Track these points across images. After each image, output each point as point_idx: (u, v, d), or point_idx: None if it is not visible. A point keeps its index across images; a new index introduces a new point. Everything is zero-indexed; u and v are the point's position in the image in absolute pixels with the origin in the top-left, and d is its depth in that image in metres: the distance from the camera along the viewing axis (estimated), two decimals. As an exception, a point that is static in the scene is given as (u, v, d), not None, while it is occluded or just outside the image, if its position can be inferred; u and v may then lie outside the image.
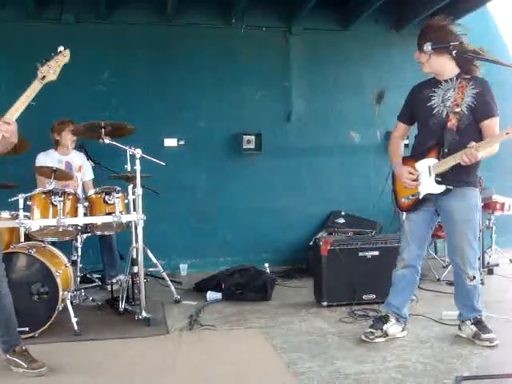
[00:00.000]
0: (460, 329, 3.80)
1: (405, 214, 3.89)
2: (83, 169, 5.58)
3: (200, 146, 6.65)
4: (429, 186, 3.60)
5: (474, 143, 3.38)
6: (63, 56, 3.33)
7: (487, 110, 3.55)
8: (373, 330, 3.76)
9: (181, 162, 6.46)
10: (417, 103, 3.72)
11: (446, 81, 3.61)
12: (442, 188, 3.56)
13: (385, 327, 3.76)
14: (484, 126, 3.56)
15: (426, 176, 3.61)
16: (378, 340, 3.71)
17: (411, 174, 3.66)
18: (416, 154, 3.73)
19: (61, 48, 3.34)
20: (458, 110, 3.51)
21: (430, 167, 3.58)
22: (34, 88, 3.22)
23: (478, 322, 3.68)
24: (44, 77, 3.24)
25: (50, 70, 3.26)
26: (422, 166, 3.63)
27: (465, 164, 3.42)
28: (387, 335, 3.75)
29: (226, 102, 6.72)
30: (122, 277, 5.20)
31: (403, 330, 3.84)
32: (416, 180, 3.65)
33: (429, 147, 3.61)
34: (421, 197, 3.65)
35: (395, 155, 3.86)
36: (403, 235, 3.81)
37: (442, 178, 3.54)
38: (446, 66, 3.58)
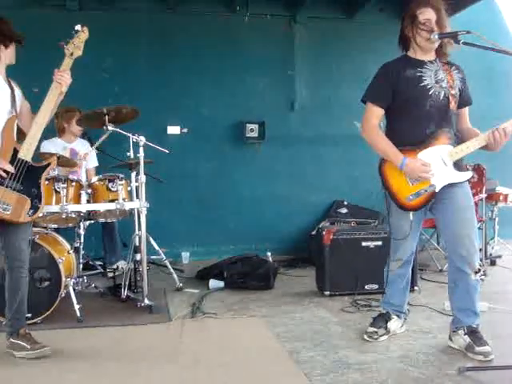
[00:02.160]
0: (451, 339, 3.44)
1: (411, 213, 3.38)
2: (88, 156, 5.57)
3: (203, 134, 6.63)
4: (447, 175, 3.28)
5: (502, 124, 3.19)
6: (83, 32, 3.55)
7: (469, 97, 3.47)
8: (376, 329, 3.60)
9: (184, 149, 6.45)
10: (401, 84, 3.32)
11: (430, 61, 3.37)
12: (467, 175, 3.33)
13: (388, 325, 3.63)
14: (463, 113, 3.47)
15: (440, 166, 3.28)
16: (382, 339, 3.57)
17: (425, 166, 3.27)
18: (412, 143, 3.32)
19: (78, 26, 3.55)
20: (453, 92, 3.32)
21: (442, 156, 3.27)
22: (67, 63, 3.43)
23: (472, 332, 3.30)
24: (72, 53, 3.45)
25: (76, 47, 3.47)
26: (430, 155, 3.28)
27: (493, 147, 3.21)
28: (390, 332, 3.63)
29: (230, 90, 6.70)
30: (122, 263, 5.22)
31: (402, 325, 3.74)
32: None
33: (432, 133, 3.30)
34: (438, 189, 3.29)
35: (390, 149, 3.34)
36: (407, 235, 3.44)
37: (455, 165, 3.30)
38: (434, 47, 3.38)
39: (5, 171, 3.20)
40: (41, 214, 4.23)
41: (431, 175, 3.27)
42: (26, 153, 3.29)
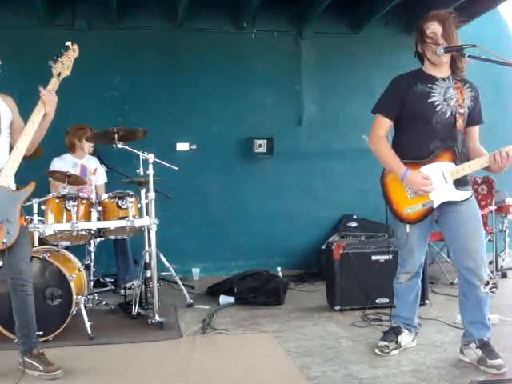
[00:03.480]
0: (463, 353, 3.43)
1: (408, 226, 3.42)
2: (97, 172, 5.61)
3: (212, 151, 6.66)
4: (446, 193, 3.29)
5: (507, 146, 3.19)
6: (73, 51, 3.43)
7: (480, 116, 3.47)
8: (387, 343, 3.59)
9: (193, 166, 6.46)
10: (410, 97, 3.34)
11: (442, 78, 3.37)
12: (466, 194, 3.31)
13: (399, 339, 3.61)
14: (472, 132, 3.47)
15: (440, 182, 3.29)
16: (393, 353, 3.55)
17: (426, 180, 3.29)
18: (416, 156, 3.35)
19: (68, 43, 3.42)
20: (462, 111, 3.33)
21: (443, 172, 3.28)
22: (53, 85, 3.33)
23: (484, 345, 3.29)
24: (59, 73, 3.34)
25: (64, 66, 3.36)
26: (431, 171, 3.30)
27: (495, 170, 3.23)
28: (401, 346, 3.61)
29: (238, 106, 6.73)
30: (135, 283, 5.22)
31: (414, 339, 3.73)
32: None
33: (437, 150, 3.31)
34: (435, 206, 3.32)
35: (393, 160, 3.37)
36: (405, 247, 3.52)
37: (456, 182, 3.30)
38: (447, 64, 3.38)
39: None
40: (52, 232, 4.31)
41: (431, 190, 3.29)
42: (5, 178, 3.18)
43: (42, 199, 4.34)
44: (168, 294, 5.31)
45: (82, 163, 5.54)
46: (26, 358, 3.37)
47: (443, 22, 3.30)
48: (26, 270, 3.36)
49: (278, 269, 5.92)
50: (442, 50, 3.24)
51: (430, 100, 3.33)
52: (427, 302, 4.73)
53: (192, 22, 6.57)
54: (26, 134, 3.25)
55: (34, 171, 5.31)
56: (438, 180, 3.30)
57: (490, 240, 5.85)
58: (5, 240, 3.15)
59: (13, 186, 3.29)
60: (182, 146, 6.62)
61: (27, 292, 3.37)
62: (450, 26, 3.30)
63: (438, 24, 3.30)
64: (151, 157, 4.46)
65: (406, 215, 3.39)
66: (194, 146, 6.66)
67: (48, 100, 3.26)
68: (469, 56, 3.21)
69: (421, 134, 3.36)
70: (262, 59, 6.81)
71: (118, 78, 6.50)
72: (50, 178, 5.12)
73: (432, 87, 3.35)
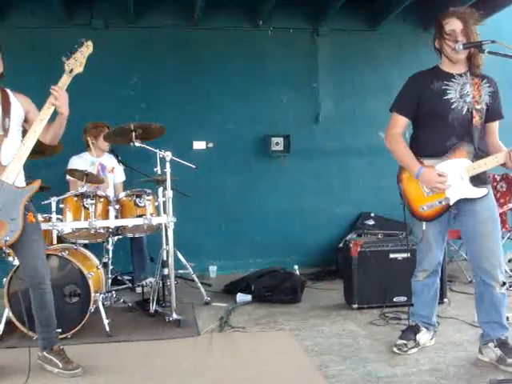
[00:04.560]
0: (481, 352, 3.41)
1: (424, 223, 3.42)
2: (115, 171, 5.64)
3: (228, 149, 6.66)
4: (463, 190, 3.27)
5: None
6: (87, 47, 3.39)
7: (499, 112, 3.44)
8: (405, 342, 3.57)
9: (209, 164, 6.47)
10: (427, 95, 3.34)
11: (459, 75, 3.34)
12: (483, 191, 3.28)
13: (417, 337, 3.59)
14: (492, 127, 3.43)
15: (456, 179, 3.27)
16: (411, 351, 3.54)
17: (441, 176, 3.27)
18: (432, 154, 3.34)
19: (83, 39, 3.39)
20: (479, 107, 3.30)
21: (459, 169, 3.26)
22: (64, 82, 3.31)
23: (502, 344, 3.28)
24: (72, 70, 3.32)
25: (77, 63, 3.33)
26: (447, 167, 3.28)
27: (510, 167, 3.19)
28: (419, 345, 3.60)
29: (254, 104, 6.73)
30: (151, 279, 5.24)
31: (432, 338, 3.71)
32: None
33: (453, 146, 3.30)
34: (452, 203, 3.30)
35: (409, 157, 3.37)
36: (423, 244, 3.51)
37: (473, 179, 3.28)
38: (464, 60, 3.35)
39: None
40: (70, 230, 4.34)
41: (446, 187, 3.28)
42: (9, 175, 3.18)
43: (60, 197, 4.38)
44: (185, 292, 5.32)
45: (100, 161, 5.57)
46: (46, 354, 3.41)
47: (463, 18, 3.27)
48: (42, 268, 3.37)
49: (296, 267, 5.90)
50: (461, 47, 3.21)
51: (445, 97, 3.31)
52: (446, 300, 4.70)
53: (208, 20, 6.57)
54: (34, 130, 3.24)
55: (53, 169, 5.42)
56: (454, 177, 3.28)
57: (509, 238, 5.78)
58: (7, 238, 3.15)
59: (19, 183, 3.29)
60: (199, 145, 6.64)
61: (45, 290, 3.39)
62: (470, 23, 3.27)
63: (457, 20, 3.27)
64: (168, 155, 4.48)
65: (422, 212, 3.38)
66: (210, 144, 6.66)
67: (58, 97, 3.24)
68: (488, 52, 3.18)
69: (437, 131, 3.34)
70: (279, 57, 6.79)
71: (135, 76, 6.52)
72: (69, 177, 5.15)
73: (448, 84, 3.32)
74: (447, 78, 3.34)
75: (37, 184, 3.32)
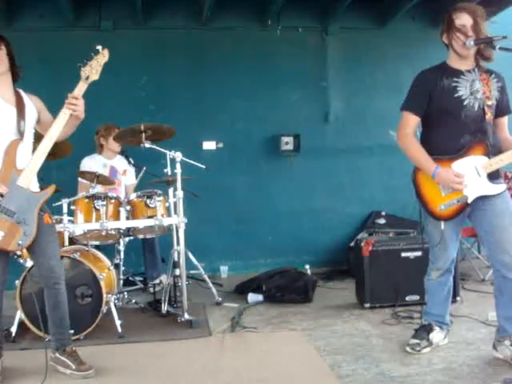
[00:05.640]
0: (496, 349, 3.36)
1: (442, 222, 3.37)
2: (127, 173, 5.65)
3: (238, 148, 6.66)
4: (480, 187, 3.25)
5: None
6: (103, 55, 3.44)
7: (508, 106, 3.42)
8: (418, 341, 3.55)
9: (219, 164, 6.47)
10: (437, 93, 3.30)
11: (468, 71, 3.32)
12: (501, 187, 3.26)
13: (430, 336, 3.57)
14: (502, 122, 3.42)
15: (473, 177, 3.25)
16: (424, 351, 3.51)
17: (458, 176, 3.25)
18: (447, 152, 3.31)
19: (99, 47, 3.43)
20: (490, 103, 3.28)
21: (476, 167, 3.24)
22: (80, 88, 3.33)
23: None
24: (88, 77, 3.34)
25: (93, 70, 3.36)
26: (464, 166, 3.26)
27: None
28: (432, 344, 3.57)
29: (264, 104, 6.72)
30: (163, 277, 5.25)
31: (445, 337, 3.68)
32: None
33: (468, 144, 3.28)
34: (470, 201, 3.27)
35: (423, 157, 3.33)
36: (440, 243, 3.44)
37: (489, 176, 3.26)
38: (472, 55, 3.33)
39: (0, 195, 3.13)
40: (82, 232, 4.35)
41: (464, 186, 3.24)
42: (25, 179, 3.19)
43: (71, 199, 4.39)
44: (196, 292, 5.32)
45: (111, 164, 5.58)
46: (58, 355, 3.42)
47: (473, 13, 3.25)
48: (58, 268, 3.40)
49: (307, 266, 5.89)
50: (472, 43, 3.19)
51: (456, 95, 3.28)
52: (458, 298, 4.67)
53: (217, 20, 6.57)
54: (51, 136, 3.26)
55: (64, 171, 5.44)
56: (471, 175, 3.26)
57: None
58: (20, 242, 3.17)
59: (34, 187, 3.31)
60: (209, 145, 6.64)
61: (60, 290, 3.40)
62: (479, 19, 3.25)
63: (467, 15, 3.25)
64: (178, 155, 4.48)
65: (440, 212, 3.34)
66: (220, 145, 6.67)
67: (74, 107, 3.26)
68: (499, 48, 3.16)
69: (450, 129, 3.32)
70: (288, 56, 6.78)
71: (144, 78, 6.53)
72: (80, 178, 5.17)
73: (458, 81, 3.30)
74: (456, 75, 3.31)
75: (51, 189, 3.34)
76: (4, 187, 3.14)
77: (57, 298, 3.40)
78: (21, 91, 3.42)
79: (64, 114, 3.26)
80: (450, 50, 3.37)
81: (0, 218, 3.13)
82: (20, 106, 3.31)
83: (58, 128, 3.26)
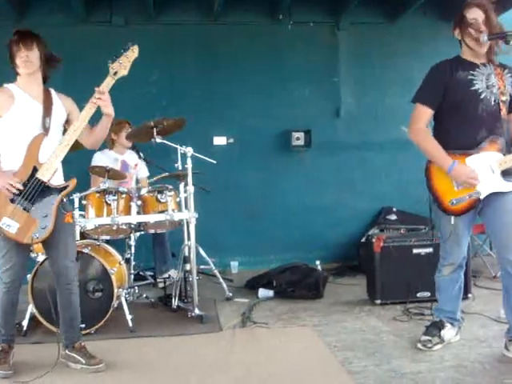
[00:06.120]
0: (507, 348, 3.31)
1: (453, 217, 3.34)
2: (138, 166, 5.66)
3: (249, 144, 6.66)
4: (494, 184, 3.21)
5: None
6: (132, 51, 3.45)
7: None
8: (429, 338, 3.50)
9: (230, 160, 6.48)
10: (453, 85, 3.25)
11: (483, 64, 3.29)
12: None
13: (442, 333, 3.54)
14: None
15: (487, 173, 3.22)
16: (436, 347, 3.49)
17: (473, 172, 3.22)
18: (462, 147, 3.27)
19: (129, 44, 3.45)
20: (504, 98, 3.25)
21: (490, 163, 3.21)
22: (108, 83, 3.35)
23: None
24: (116, 72, 3.36)
25: (121, 66, 3.38)
26: (478, 161, 3.23)
27: None
28: (444, 341, 3.54)
29: (275, 99, 6.70)
30: (172, 271, 5.26)
31: (457, 334, 3.65)
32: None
33: (484, 139, 3.24)
34: (482, 197, 3.23)
35: (438, 151, 3.27)
36: (450, 239, 3.42)
37: (503, 173, 3.22)
38: (484, 50, 3.29)
39: (14, 190, 3.14)
40: (93, 226, 4.35)
41: (478, 182, 3.21)
42: (45, 172, 3.21)
43: (82, 194, 4.40)
44: (207, 288, 5.32)
45: (122, 159, 5.59)
46: (67, 352, 3.43)
47: (484, 8, 3.22)
48: (71, 269, 3.40)
49: (317, 262, 5.84)
50: (485, 38, 3.16)
51: (473, 88, 3.25)
52: (470, 295, 4.63)
53: (227, 15, 6.56)
54: (75, 129, 3.27)
55: (75, 165, 5.39)
56: (484, 171, 3.23)
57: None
58: (37, 234, 3.18)
59: (56, 181, 3.31)
60: (220, 140, 6.64)
61: (72, 290, 3.41)
62: (491, 13, 3.22)
63: (478, 10, 3.23)
64: (189, 150, 4.48)
65: (451, 207, 3.31)
66: (231, 140, 6.67)
67: (100, 102, 3.28)
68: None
69: (466, 123, 3.28)
70: (299, 51, 6.77)
71: (155, 73, 6.54)
72: (91, 173, 5.17)
73: (474, 74, 3.27)
74: (472, 68, 3.29)
75: (72, 183, 3.35)
76: (19, 185, 3.16)
77: (68, 298, 3.41)
78: (52, 90, 3.45)
79: (89, 109, 3.28)
80: (463, 46, 3.34)
81: (17, 210, 3.15)
82: (47, 104, 3.33)
83: (83, 121, 3.28)
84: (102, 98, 3.28)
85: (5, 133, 3.25)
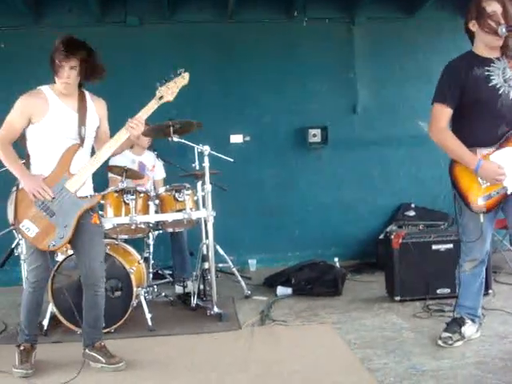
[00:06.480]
0: None
1: (481, 215, 3.29)
2: (155, 168, 5.66)
3: (266, 142, 6.65)
4: None
5: None
6: (182, 78, 3.52)
7: None
8: (450, 334, 3.49)
9: (247, 157, 6.47)
10: (470, 84, 3.23)
11: (497, 59, 3.25)
12: None
13: (462, 330, 3.51)
14: None
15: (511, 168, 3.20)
16: (457, 344, 3.46)
17: (500, 169, 3.19)
18: (483, 143, 3.25)
19: (181, 70, 3.51)
20: None
21: None
22: (151, 106, 3.38)
23: None
24: (162, 97, 3.38)
25: (169, 91, 3.42)
26: (502, 157, 3.20)
27: None
28: (464, 338, 3.51)
29: (291, 96, 6.68)
30: (189, 283, 5.23)
31: (477, 330, 3.62)
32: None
33: (504, 134, 3.21)
34: (509, 191, 3.21)
35: (462, 150, 3.25)
36: (478, 237, 3.36)
37: None
38: (500, 43, 3.24)
39: (41, 197, 3.16)
40: (111, 226, 4.37)
41: (505, 177, 3.19)
42: (73, 184, 3.23)
43: (101, 193, 4.41)
44: (225, 286, 5.34)
45: (140, 160, 5.57)
46: (87, 351, 3.45)
47: (502, 1, 3.19)
48: (97, 270, 3.41)
49: (336, 259, 5.84)
50: (504, 30, 3.12)
51: (491, 84, 3.22)
52: (490, 291, 4.58)
53: (242, 13, 6.55)
54: (110, 147, 3.28)
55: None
56: (509, 166, 3.20)
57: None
58: (53, 242, 3.21)
59: (84, 192, 3.31)
60: (236, 138, 6.64)
61: (97, 292, 3.42)
62: (509, 6, 3.19)
63: (496, 3, 3.19)
64: (207, 149, 4.49)
65: (480, 205, 3.28)
66: (247, 138, 6.66)
67: (135, 130, 3.28)
68: None
69: (485, 119, 3.25)
70: (314, 47, 6.73)
71: (170, 72, 6.52)
72: (109, 173, 5.20)
73: (490, 70, 3.24)
74: (487, 64, 3.25)
75: (97, 198, 3.40)
76: (50, 192, 3.17)
77: (93, 299, 3.43)
78: (86, 93, 3.43)
79: (123, 134, 3.29)
80: (476, 40, 3.31)
81: (39, 215, 3.18)
82: (82, 112, 3.32)
83: (117, 141, 3.28)
84: (134, 127, 3.27)
85: (38, 139, 3.27)
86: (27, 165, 3.31)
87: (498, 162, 3.21)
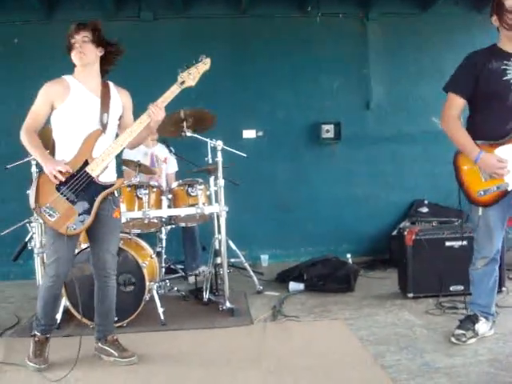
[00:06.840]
0: None
1: (480, 208, 3.34)
2: (167, 161, 5.67)
3: (278, 137, 6.64)
4: None
5: None
6: (204, 64, 3.54)
7: None
8: (463, 332, 3.47)
9: (260, 153, 6.46)
10: (485, 75, 3.22)
11: None
12: None
13: (476, 327, 3.49)
14: None
15: None
16: (470, 341, 3.44)
17: (501, 162, 3.20)
18: (491, 137, 3.25)
19: (202, 56, 3.52)
20: None
21: None
22: (173, 91, 3.40)
23: None
24: (183, 82, 3.42)
25: (190, 76, 3.46)
26: (507, 152, 3.21)
27: None
28: (478, 335, 3.49)
29: (304, 92, 6.67)
30: (202, 269, 5.27)
31: (491, 328, 3.59)
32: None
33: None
34: (510, 188, 3.23)
35: (466, 141, 3.28)
36: (481, 230, 3.40)
37: None
38: None
39: (61, 178, 3.15)
40: (124, 220, 4.39)
41: (506, 172, 3.19)
42: (95, 168, 3.21)
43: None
44: (237, 281, 5.33)
45: (151, 152, 5.60)
46: (100, 344, 3.47)
47: None
48: (111, 263, 3.43)
49: (348, 255, 5.83)
50: None
51: (505, 78, 3.20)
52: (504, 289, 4.55)
53: (256, 8, 6.54)
54: (132, 131, 3.28)
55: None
56: None
57: None
58: (74, 226, 3.19)
59: (106, 177, 3.31)
60: (249, 133, 6.63)
61: (109, 284, 3.45)
62: None
63: None
64: (219, 144, 4.48)
65: (478, 198, 3.31)
66: (260, 133, 6.66)
67: (156, 116, 3.29)
68: None
69: (496, 114, 3.25)
70: (328, 43, 6.71)
71: (184, 67, 6.53)
72: (124, 167, 5.20)
73: (507, 64, 3.22)
74: (507, 58, 3.24)
75: (119, 182, 3.39)
76: (67, 166, 3.16)
77: (105, 291, 3.45)
78: (110, 83, 3.44)
79: (145, 120, 3.30)
80: (500, 34, 3.29)
81: (60, 199, 3.18)
82: (105, 98, 3.32)
83: (139, 125, 3.28)
84: (158, 112, 3.28)
85: (61, 124, 3.27)
86: (52, 153, 3.32)
87: (502, 157, 3.19)
